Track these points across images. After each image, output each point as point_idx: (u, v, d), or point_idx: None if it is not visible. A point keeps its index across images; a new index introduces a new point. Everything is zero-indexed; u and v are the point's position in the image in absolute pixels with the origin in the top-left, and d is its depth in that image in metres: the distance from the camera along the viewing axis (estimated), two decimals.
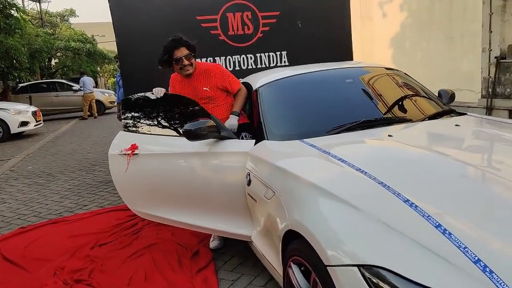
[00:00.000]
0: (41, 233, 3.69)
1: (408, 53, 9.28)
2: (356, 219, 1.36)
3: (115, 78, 6.35)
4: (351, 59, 5.68)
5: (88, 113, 14.95)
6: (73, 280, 2.73)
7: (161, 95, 2.79)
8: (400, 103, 2.52)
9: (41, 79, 20.61)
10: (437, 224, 1.23)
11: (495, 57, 5.26)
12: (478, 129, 2.23)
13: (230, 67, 5.22)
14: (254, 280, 2.49)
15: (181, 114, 2.71)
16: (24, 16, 17.78)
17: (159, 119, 2.85)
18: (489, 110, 5.28)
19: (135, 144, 2.70)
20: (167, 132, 2.72)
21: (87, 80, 14.65)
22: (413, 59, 8.85)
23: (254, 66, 5.32)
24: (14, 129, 10.37)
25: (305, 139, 2.12)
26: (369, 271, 1.19)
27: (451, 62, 8.01)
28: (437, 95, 2.79)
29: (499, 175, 1.49)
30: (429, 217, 1.26)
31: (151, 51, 4.84)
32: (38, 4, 26.46)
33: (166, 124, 2.76)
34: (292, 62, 5.35)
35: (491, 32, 5.20)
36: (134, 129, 2.87)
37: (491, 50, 5.25)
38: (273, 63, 5.39)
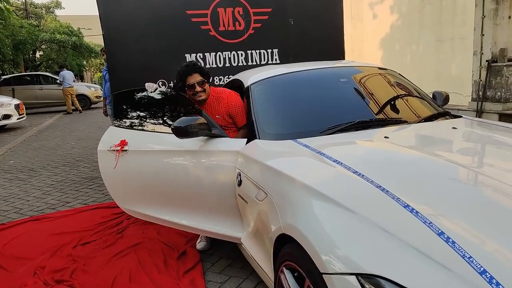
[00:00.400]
0: (22, 231, 3.56)
1: (398, 55, 9.32)
2: (354, 224, 1.30)
3: (102, 72, 6.18)
4: (343, 58, 5.66)
5: (73, 107, 14.66)
6: (54, 281, 2.63)
7: (153, 90, 2.71)
8: (395, 104, 2.48)
9: (25, 72, 20.14)
10: (440, 231, 1.17)
11: (487, 61, 5.29)
12: (475, 132, 2.20)
13: (220, 64, 5.14)
14: (242, 283, 2.43)
15: (173, 111, 2.63)
16: (8, 7, 17.33)
17: (150, 115, 2.78)
18: (479, 113, 5.30)
19: (124, 140, 2.62)
20: (157, 129, 2.65)
21: (67, 74, 14.36)
22: (402, 61, 8.89)
23: (244, 63, 5.24)
24: None
25: (298, 139, 2.06)
26: (368, 280, 1.13)
27: (440, 65, 8.06)
28: (431, 96, 2.76)
29: (500, 179, 1.45)
30: (431, 224, 1.21)
31: (138, 45, 4.75)
32: None
33: (156, 120, 2.70)
34: (284, 60, 5.29)
35: (483, 35, 5.22)
36: (124, 124, 2.80)
37: (482, 53, 5.28)
38: (264, 60, 5.32)
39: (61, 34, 21.93)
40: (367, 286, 1.12)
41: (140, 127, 2.73)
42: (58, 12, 31.07)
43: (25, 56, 21.94)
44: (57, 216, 3.85)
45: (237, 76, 3.17)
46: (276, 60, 5.37)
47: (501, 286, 0.99)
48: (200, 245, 2.90)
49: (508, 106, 5.25)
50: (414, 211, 1.27)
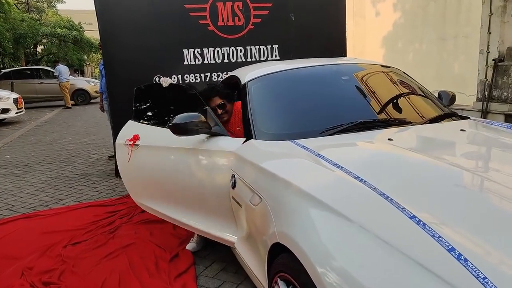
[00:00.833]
0: (12, 228, 3.46)
1: (400, 53, 9.18)
2: (355, 237, 1.18)
3: (99, 67, 6.07)
4: (345, 55, 5.53)
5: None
6: (41, 283, 2.53)
7: (167, 85, 2.67)
8: (399, 103, 2.36)
9: (26, 66, 20.01)
10: (450, 247, 1.06)
11: (493, 59, 5.14)
12: (485, 135, 2.06)
13: (218, 60, 5.02)
14: None
15: (183, 107, 2.58)
16: (9, 0, 17.18)
17: (165, 111, 2.80)
18: (485, 114, 5.17)
19: (137, 135, 2.71)
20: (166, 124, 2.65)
21: (63, 68, 14.28)
22: (404, 59, 8.76)
23: (243, 59, 5.13)
24: None
25: (296, 140, 1.94)
26: None
27: (442, 63, 7.93)
28: (437, 96, 2.64)
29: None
30: (440, 239, 1.09)
31: (135, 39, 4.64)
32: None
33: (167, 116, 2.70)
34: (284, 56, 5.18)
35: (490, 33, 5.08)
36: (140, 119, 2.89)
37: (489, 52, 5.14)
38: (263, 56, 5.21)
39: (62, 28, 21.80)
40: None
41: (153, 123, 2.81)
42: (59, 6, 30.87)
43: (26, 50, 21.83)
44: (49, 214, 3.75)
45: (234, 73, 3.05)
46: (276, 56, 5.25)
47: None
48: (189, 246, 2.81)
49: None
50: (421, 223, 1.16)
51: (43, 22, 23.31)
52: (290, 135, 2.04)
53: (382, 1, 9.56)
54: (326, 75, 2.57)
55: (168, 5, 4.70)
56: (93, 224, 3.44)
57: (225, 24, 4.99)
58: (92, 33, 29.70)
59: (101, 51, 5.73)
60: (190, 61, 4.89)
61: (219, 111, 2.74)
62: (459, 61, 7.76)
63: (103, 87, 5.72)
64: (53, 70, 14.94)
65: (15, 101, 10.65)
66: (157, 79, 4.80)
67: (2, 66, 18.70)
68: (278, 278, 1.47)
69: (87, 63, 33.29)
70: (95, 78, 24.85)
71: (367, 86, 2.47)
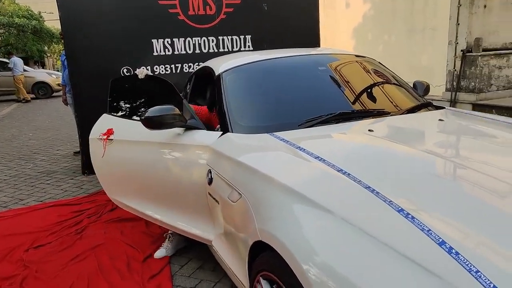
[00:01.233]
0: None
1: (370, 44, 9.28)
2: (342, 233, 1.12)
3: (60, 58, 5.75)
4: (319, 46, 5.50)
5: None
6: None
7: (143, 76, 2.53)
8: (377, 94, 2.33)
9: None
10: (441, 240, 1.01)
11: (461, 50, 5.25)
12: (463, 124, 2.06)
13: (190, 50, 4.87)
14: (215, 287, 2.23)
15: (160, 99, 2.45)
16: None
17: (137, 103, 2.68)
18: (453, 103, 5.29)
19: (111, 129, 2.59)
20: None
21: (18, 61, 13.62)
22: (375, 51, 8.86)
23: (216, 50, 5.00)
24: None
25: (275, 133, 1.86)
26: None
27: (411, 55, 8.07)
28: (412, 86, 2.63)
29: (500, 178, 1.31)
30: (429, 232, 1.04)
31: (99, 28, 4.40)
32: None
33: (143, 109, 2.57)
34: (257, 47, 5.08)
35: (459, 24, 5.17)
36: (115, 112, 2.76)
37: (457, 43, 5.24)
38: (236, 47, 5.09)
39: (20, 18, 20.69)
40: None
41: (128, 116, 2.69)
42: None
43: None
44: (8, 215, 3.50)
45: (207, 64, 2.93)
46: (249, 46, 5.15)
47: None
48: (159, 252, 2.62)
49: (482, 97, 5.27)
50: (410, 216, 1.11)
51: (0, 12, 22.03)
52: (268, 128, 1.95)
53: None
54: (302, 65, 2.49)
55: None
56: (58, 225, 3.24)
57: (196, 13, 4.83)
58: (53, 22, 28.35)
59: (62, 41, 5.42)
60: (160, 51, 4.71)
61: None
62: (427, 53, 7.92)
63: (66, 79, 5.42)
64: (8, 62, 14.15)
65: None
66: (124, 70, 4.59)
67: None
68: (260, 277, 1.39)
69: (48, 55, 31.83)
70: (57, 70, 23.83)
71: (344, 76, 2.42)
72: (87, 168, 4.60)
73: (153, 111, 2.05)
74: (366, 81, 2.44)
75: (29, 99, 13.76)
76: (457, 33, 5.19)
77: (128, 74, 4.59)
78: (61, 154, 5.84)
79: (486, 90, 5.30)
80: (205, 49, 4.97)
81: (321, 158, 1.47)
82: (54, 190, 4.17)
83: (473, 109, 5.03)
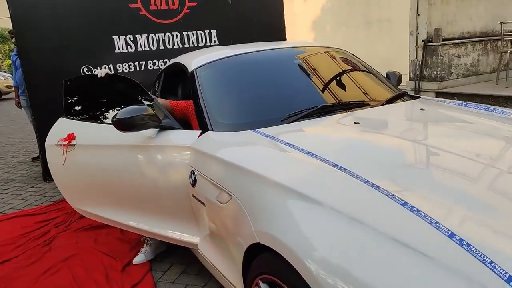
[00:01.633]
0: None
1: (329, 36, 9.43)
2: (348, 230, 1.08)
3: (11, 58, 5.38)
4: (285, 39, 5.48)
5: None
6: None
7: (103, 75, 2.36)
8: (355, 86, 2.33)
9: None
10: (450, 233, 1.00)
11: (422, 40, 5.43)
12: (444, 113, 2.09)
13: (153, 47, 4.70)
14: None
15: (124, 99, 2.31)
16: None
17: (102, 104, 2.49)
18: (417, 92, 5.47)
19: (72, 133, 2.41)
20: (108, 120, 2.38)
21: None
22: (334, 42, 9.00)
23: (181, 46, 4.85)
24: None
25: (259, 129, 1.80)
26: None
27: (369, 46, 8.29)
28: (385, 76, 2.66)
29: (496, 166, 1.33)
30: (437, 225, 1.03)
31: (55, 24, 4.13)
32: None
33: (108, 111, 2.41)
34: (223, 41, 4.99)
35: (418, 15, 5.33)
36: (74, 115, 2.56)
37: (418, 33, 5.40)
38: (202, 42, 4.97)
39: None
40: None
41: (90, 119, 2.51)
42: None
43: None
44: None
45: (178, 60, 2.82)
46: (215, 41, 5.05)
47: None
48: (138, 258, 2.52)
49: (444, 85, 5.47)
50: (415, 209, 1.09)
51: None
52: (250, 124, 1.90)
53: None
54: (279, 59, 2.45)
55: None
56: (23, 237, 3.03)
57: (158, 8, 4.66)
58: None
59: (13, 40, 5.07)
60: (122, 49, 4.51)
61: None
62: (384, 44, 8.16)
63: (19, 81, 5.10)
64: None
65: None
66: (85, 69, 4.36)
67: None
68: (259, 281, 1.34)
69: None
70: (4, 71, 22.43)
71: (321, 69, 2.40)
72: (49, 174, 4.34)
73: (124, 112, 1.94)
74: (343, 73, 2.43)
75: None
76: (417, 24, 5.35)
77: (89, 73, 4.37)
78: (17, 161, 5.48)
79: (447, 78, 5.52)
80: (169, 45, 4.82)
81: (313, 154, 1.44)
82: (14, 199, 3.90)
83: (436, 97, 5.24)
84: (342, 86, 2.29)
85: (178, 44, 4.81)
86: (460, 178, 1.31)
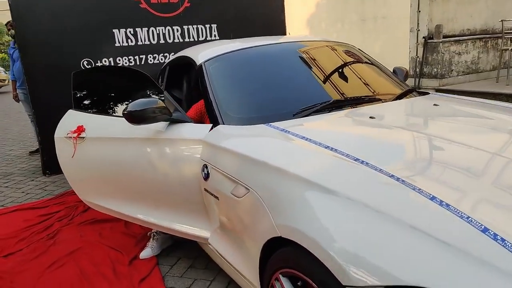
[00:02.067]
0: None
1: (324, 33, 9.43)
2: (376, 224, 1.09)
3: (8, 51, 5.30)
4: (285, 34, 5.47)
5: None
6: None
7: None
8: (365, 81, 2.33)
9: None
10: (483, 228, 1.00)
11: (423, 37, 5.44)
12: (457, 108, 2.09)
13: (154, 40, 4.66)
14: (210, 286, 2.16)
15: (134, 92, 2.30)
16: None
17: (110, 96, 2.47)
18: (417, 89, 5.49)
19: (82, 126, 2.39)
20: (118, 113, 2.37)
21: None
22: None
23: (181, 40, 4.82)
24: None
25: (272, 123, 1.80)
26: None
27: (364, 43, 8.31)
28: (392, 72, 2.66)
29: None
30: (469, 219, 1.03)
31: (56, 17, 4.09)
32: None
33: (118, 103, 2.40)
34: (223, 36, 4.97)
35: (419, 11, 5.34)
36: (83, 107, 2.54)
37: (419, 30, 5.41)
38: (202, 36, 4.94)
39: None
40: None
41: (100, 111, 2.49)
42: None
43: None
44: None
45: (183, 53, 2.80)
46: (215, 36, 5.02)
47: None
48: (144, 252, 2.51)
49: (444, 82, 5.50)
50: (444, 203, 1.09)
51: None
52: (262, 118, 1.89)
53: None
54: (287, 53, 2.45)
55: None
56: (26, 231, 3.00)
57: (159, 2, 4.62)
58: None
59: (10, 32, 5.00)
60: (122, 42, 4.47)
61: None
62: (380, 41, 8.18)
63: (17, 74, 5.03)
64: None
65: None
66: (85, 63, 4.31)
67: None
68: (280, 275, 1.34)
69: None
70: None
71: (330, 63, 2.40)
72: (48, 168, 4.32)
73: (135, 105, 1.93)
74: (353, 68, 2.44)
75: None
76: (418, 20, 5.36)
77: (89, 66, 4.33)
78: (15, 155, 5.43)
79: (447, 75, 5.55)
80: (170, 39, 4.79)
81: (332, 148, 1.44)
82: (15, 193, 3.87)
83: None
84: (352, 81, 2.29)
85: (178, 38, 4.78)
86: (485, 172, 1.31)
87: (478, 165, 1.34)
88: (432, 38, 5.34)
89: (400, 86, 2.40)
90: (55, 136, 2.52)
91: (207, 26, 4.93)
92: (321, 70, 2.31)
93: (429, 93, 2.38)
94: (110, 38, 4.39)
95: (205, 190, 1.84)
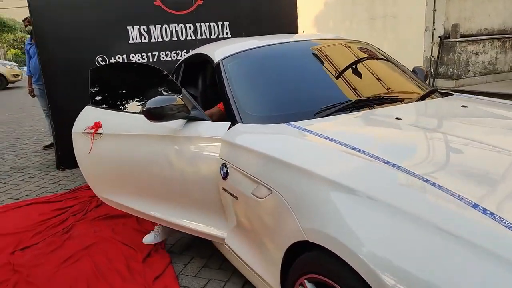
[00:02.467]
0: None
1: (332, 32, 9.35)
2: (409, 229, 1.05)
3: (25, 47, 5.35)
4: (297, 32, 5.43)
5: None
6: None
7: None
8: (386, 80, 2.29)
9: None
10: None
11: (439, 36, 5.35)
12: (488, 110, 2.01)
13: (166, 38, 4.67)
14: (225, 286, 2.15)
15: (152, 89, 2.32)
16: None
17: (128, 93, 2.47)
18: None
19: (99, 122, 2.40)
20: (135, 109, 2.37)
21: None
22: None
23: (193, 37, 4.82)
24: None
25: (293, 123, 1.78)
26: None
27: (372, 42, 8.21)
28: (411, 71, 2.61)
29: None
30: (510, 226, 0.99)
31: (72, 14, 4.12)
32: None
33: (135, 99, 2.40)
34: (235, 34, 4.95)
35: (435, 10, 5.25)
36: (101, 104, 2.55)
37: (434, 29, 5.32)
38: (214, 34, 4.93)
39: None
40: None
41: (117, 107, 2.49)
42: None
43: None
44: None
45: (200, 50, 2.79)
46: (227, 34, 5.01)
47: None
48: (148, 237, 2.50)
49: (460, 83, 5.41)
50: (488, 212, 1.03)
51: None
52: (282, 117, 1.87)
53: None
54: (306, 51, 2.42)
55: None
56: (41, 224, 3.03)
57: None
58: (3, 11, 26.52)
59: (26, 28, 5.04)
60: (136, 39, 4.49)
61: None
62: (388, 40, 8.09)
63: (32, 69, 5.07)
64: None
65: None
66: (99, 59, 4.33)
67: None
68: (305, 280, 1.31)
69: None
70: (9, 60, 22.35)
71: (350, 62, 2.36)
72: (62, 162, 4.36)
73: (154, 101, 1.92)
74: (372, 67, 2.40)
75: None
76: (434, 19, 5.27)
77: (103, 63, 4.35)
78: (29, 148, 5.48)
79: (464, 76, 5.46)
80: (182, 36, 4.80)
81: (360, 149, 1.40)
82: (29, 187, 3.90)
83: None
84: (372, 80, 2.26)
85: (191, 36, 4.79)
86: None
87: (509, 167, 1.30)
88: (448, 38, 5.24)
89: (422, 86, 2.35)
90: (72, 131, 2.54)
91: (220, 23, 4.92)
92: (341, 68, 2.28)
93: (453, 94, 2.32)
94: (124, 35, 4.41)
95: (223, 189, 1.83)
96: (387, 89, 2.22)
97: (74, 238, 2.78)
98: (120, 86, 2.56)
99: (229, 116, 2.05)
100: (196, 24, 4.85)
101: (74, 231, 2.90)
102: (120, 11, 4.35)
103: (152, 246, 2.57)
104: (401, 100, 2.06)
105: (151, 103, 1.91)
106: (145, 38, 4.58)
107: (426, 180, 1.18)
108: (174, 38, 4.76)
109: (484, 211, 1.05)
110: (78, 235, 2.82)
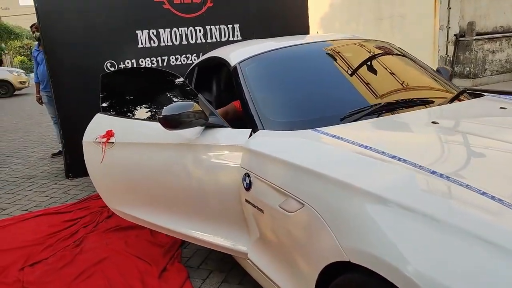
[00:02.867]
0: None
1: (338, 33, 9.23)
2: (467, 249, 0.94)
3: (32, 54, 5.28)
4: (308, 33, 5.32)
5: None
6: None
7: None
8: (412, 81, 2.16)
9: None
10: None
11: (455, 35, 5.20)
12: None
13: (176, 41, 4.57)
14: None
15: (165, 94, 2.23)
16: None
17: (140, 99, 2.37)
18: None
19: (111, 130, 2.30)
20: (149, 117, 2.28)
21: None
22: None
23: (203, 40, 4.73)
24: None
25: (319, 129, 1.65)
26: None
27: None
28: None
29: None
30: None
31: (81, 19, 4.03)
32: None
33: (147, 106, 2.31)
34: (246, 36, 4.85)
35: (450, 8, 5.11)
36: (112, 111, 2.45)
37: (449, 27, 5.17)
38: (224, 37, 4.83)
39: None
40: None
41: (129, 115, 2.39)
42: None
43: None
44: None
45: (214, 53, 2.68)
46: (238, 36, 4.91)
47: None
48: None
49: (477, 82, 5.26)
50: None
51: None
52: (306, 123, 1.74)
53: None
54: (326, 53, 2.29)
55: None
56: (51, 237, 2.92)
57: (182, 2, 4.53)
58: (9, 19, 26.74)
59: (34, 35, 4.97)
60: (145, 43, 4.40)
61: None
62: (396, 40, 7.93)
63: (40, 76, 5.00)
64: None
65: None
66: (108, 64, 4.25)
67: None
68: None
69: (6, 52, 30.06)
70: (16, 67, 22.49)
71: (374, 63, 2.24)
72: (71, 171, 4.27)
73: (170, 108, 1.81)
74: (396, 68, 2.27)
75: None
76: (449, 18, 5.12)
77: (113, 68, 4.26)
78: (37, 157, 5.40)
79: (480, 75, 5.31)
80: (192, 39, 4.70)
81: (401, 158, 1.27)
82: (38, 197, 3.81)
83: None
84: (397, 81, 2.13)
85: (201, 39, 4.69)
86: None
87: None
88: (464, 36, 5.09)
89: (450, 87, 2.22)
90: (83, 140, 2.43)
91: (230, 26, 4.83)
92: (364, 70, 2.15)
93: (484, 95, 2.18)
94: (134, 39, 4.33)
95: (246, 201, 1.71)
96: (415, 91, 2.09)
97: (85, 252, 2.67)
98: (132, 93, 2.45)
99: (248, 122, 1.93)
100: (206, 27, 4.76)
101: (85, 244, 2.78)
102: (128, 15, 4.26)
103: (168, 260, 2.45)
104: (431, 102, 1.92)
105: (167, 110, 1.80)
106: (154, 42, 4.49)
107: (483, 193, 1.05)
108: (184, 42, 4.67)
109: None
110: (90, 249, 2.70)
